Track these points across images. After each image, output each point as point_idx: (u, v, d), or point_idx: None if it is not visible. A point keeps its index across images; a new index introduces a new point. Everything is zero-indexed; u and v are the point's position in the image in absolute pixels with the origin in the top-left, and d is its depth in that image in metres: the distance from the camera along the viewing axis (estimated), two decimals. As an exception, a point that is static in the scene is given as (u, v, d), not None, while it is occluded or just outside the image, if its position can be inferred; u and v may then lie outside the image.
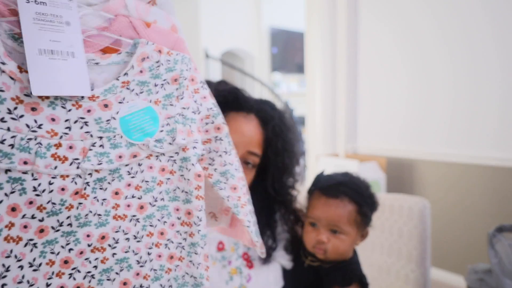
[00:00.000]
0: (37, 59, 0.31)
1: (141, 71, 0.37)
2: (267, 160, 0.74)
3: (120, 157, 0.37)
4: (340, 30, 2.73)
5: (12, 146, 0.31)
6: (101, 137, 0.36)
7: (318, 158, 2.70)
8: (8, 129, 0.31)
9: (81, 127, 0.35)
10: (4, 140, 0.30)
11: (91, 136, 0.35)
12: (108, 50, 0.37)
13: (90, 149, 0.35)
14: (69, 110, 0.34)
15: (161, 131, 0.39)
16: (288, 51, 7.55)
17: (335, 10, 2.73)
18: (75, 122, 0.34)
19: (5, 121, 0.31)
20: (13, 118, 0.31)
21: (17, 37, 0.32)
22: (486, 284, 0.83)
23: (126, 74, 0.37)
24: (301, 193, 0.85)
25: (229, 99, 0.72)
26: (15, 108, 0.31)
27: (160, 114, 0.39)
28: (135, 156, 0.38)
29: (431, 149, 2.43)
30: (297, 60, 7.62)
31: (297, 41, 7.41)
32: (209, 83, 0.73)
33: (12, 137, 0.31)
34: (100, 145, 0.36)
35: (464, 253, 2.31)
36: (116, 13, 0.37)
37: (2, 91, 0.31)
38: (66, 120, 0.34)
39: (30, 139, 0.32)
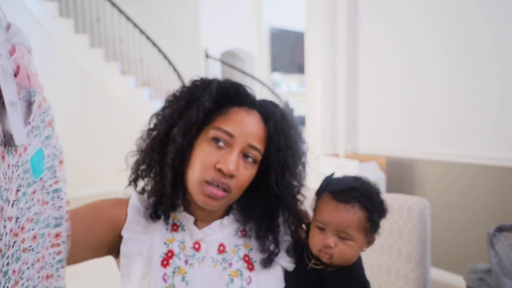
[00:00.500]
0: (11, 111, 0.34)
1: (38, 117, 0.42)
2: (270, 157, 0.73)
3: (32, 193, 0.42)
4: (340, 30, 2.73)
5: None
6: (23, 178, 0.40)
7: (318, 158, 2.71)
8: None
9: (16, 170, 0.38)
10: None
11: (20, 178, 0.39)
12: None
13: (18, 190, 0.39)
14: (13, 156, 0.37)
15: (46, 167, 0.45)
16: (288, 51, 7.55)
17: (335, 10, 2.73)
18: (14, 166, 0.38)
19: None
20: None
21: None
22: (485, 284, 0.84)
23: (33, 119, 0.41)
24: (306, 197, 0.83)
25: (231, 92, 0.72)
26: None
27: (45, 153, 0.45)
28: (34, 192, 0.43)
29: (431, 149, 2.44)
30: (297, 60, 7.62)
31: (297, 41, 7.41)
32: (213, 78, 0.73)
33: None
34: (23, 185, 0.40)
35: (463, 252, 2.31)
36: (18, 62, 0.39)
37: None
38: (13, 165, 0.37)
39: (0, 186, 0.36)
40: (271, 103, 0.76)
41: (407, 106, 2.54)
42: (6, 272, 0.38)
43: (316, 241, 0.74)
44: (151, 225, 0.73)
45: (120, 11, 5.14)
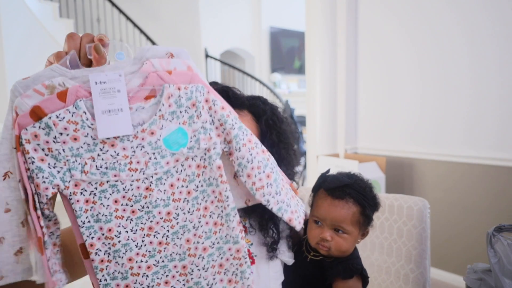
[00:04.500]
0: (101, 117, 0.53)
1: (169, 105, 0.57)
2: None
3: (167, 163, 0.58)
4: (340, 31, 2.73)
5: (106, 168, 0.55)
6: (154, 153, 0.57)
7: (318, 158, 2.71)
8: (102, 159, 0.55)
9: (141, 149, 0.56)
10: (102, 165, 0.55)
11: (147, 153, 0.57)
12: (148, 97, 0.57)
13: (148, 161, 0.56)
14: (132, 141, 0.56)
15: (191, 141, 0.59)
16: (288, 51, 7.55)
17: (335, 11, 2.73)
18: (137, 147, 0.56)
19: (99, 156, 0.55)
20: (103, 153, 0.55)
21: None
22: (485, 284, 0.84)
23: (160, 110, 0.57)
24: (300, 189, 0.86)
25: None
26: (103, 147, 0.55)
27: (188, 130, 0.59)
28: (177, 160, 0.58)
29: (430, 149, 2.44)
30: (297, 60, 7.62)
31: (297, 41, 7.42)
32: None
33: (105, 163, 0.55)
34: (154, 158, 0.57)
35: (463, 252, 2.32)
36: (148, 71, 0.56)
37: (95, 139, 0.54)
38: (131, 147, 0.56)
39: (114, 162, 0.55)
40: (260, 100, 0.79)
41: (407, 106, 2.55)
42: (149, 212, 0.57)
43: (314, 235, 0.80)
44: None
45: (120, 11, 5.14)
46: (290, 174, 0.81)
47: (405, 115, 2.57)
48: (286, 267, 0.83)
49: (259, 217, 0.81)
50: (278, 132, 0.77)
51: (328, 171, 0.86)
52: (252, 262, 0.79)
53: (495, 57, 2.13)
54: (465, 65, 2.25)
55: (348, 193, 0.78)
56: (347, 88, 2.77)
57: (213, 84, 0.76)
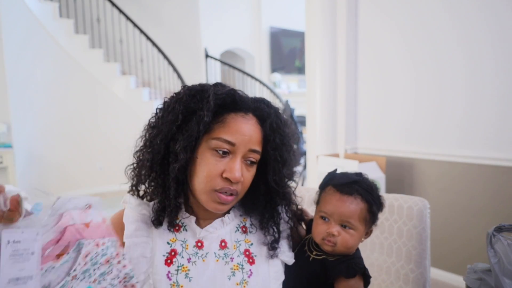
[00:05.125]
0: (6, 287, 0.45)
1: (85, 264, 0.54)
2: (266, 155, 0.77)
3: None
4: (340, 30, 2.73)
5: None
6: None
7: (318, 158, 2.71)
8: None
9: None
10: None
11: None
12: (59, 255, 0.52)
13: None
14: None
15: None
16: (289, 52, 7.55)
17: (335, 10, 2.73)
18: None
19: None
20: None
21: None
22: (485, 284, 0.84)
23: (74, 269, 0.52)
24: (299, 186, 0.89)
25: (227, 101, 0.74)
26: None
27: (96, 287, 0.56)
28: None
29: (430, 149, 2.44)
30: (297, 61, 7.62)
31: (299, 42, 7.42)
32: (205, 86, 0.75)
33: None
34: None
35: (463, 252, 2.31)
36: (66, 225, 0.52)
37: None
38: None
39: None
40: (264, 102, 0.79)
41: (407, 107, 2.55)
42: None
43: (320, 230, 0.81)
44: (153, 227, 0.76)
45: (120, 11, 5.14)
46: (290, 174, 0.82)
47: (405, 115, 2.56)
48: (288, 266, 0.83)
49: (259, 216, 0.82)
50: (282, 135, 0.78)
51: (335, 170, 0.88)
52: (252, 262, 0.79)
53: (490, 57, 2.13)
54: (461, 65, 2.24)
55: (356, 189, 0.80)
56: (347, 88, 2.77)
57: (219, 86, 0.76)
